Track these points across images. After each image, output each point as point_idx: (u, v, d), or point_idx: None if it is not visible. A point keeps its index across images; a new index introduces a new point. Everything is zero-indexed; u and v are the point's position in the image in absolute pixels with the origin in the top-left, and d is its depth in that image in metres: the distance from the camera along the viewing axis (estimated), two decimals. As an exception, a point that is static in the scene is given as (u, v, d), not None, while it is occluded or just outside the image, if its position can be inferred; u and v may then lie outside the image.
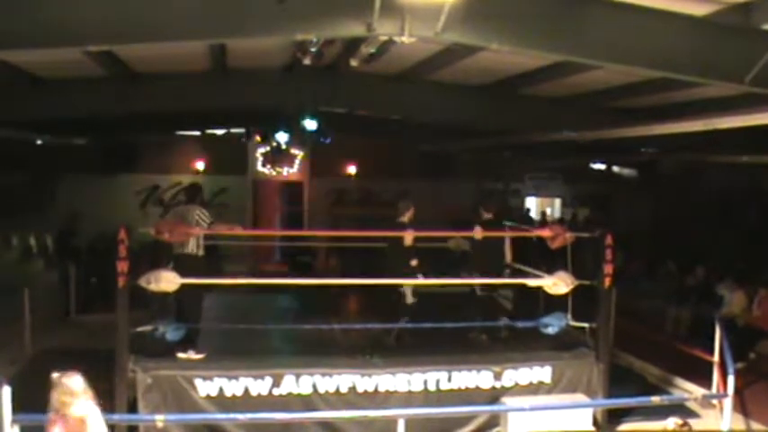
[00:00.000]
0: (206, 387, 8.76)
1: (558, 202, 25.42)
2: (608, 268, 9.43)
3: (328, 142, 19.17)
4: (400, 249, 10.34)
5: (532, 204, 25.43)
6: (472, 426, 9.17)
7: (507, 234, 11.19)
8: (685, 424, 7.75)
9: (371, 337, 10.42)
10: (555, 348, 10.06)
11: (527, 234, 11.10)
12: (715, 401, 9.44)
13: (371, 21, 7.60)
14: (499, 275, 10.65)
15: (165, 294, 9.00)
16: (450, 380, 9.26)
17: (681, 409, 9.52)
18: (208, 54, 11.60)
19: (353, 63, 10.19)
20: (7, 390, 6.55)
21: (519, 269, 11.02)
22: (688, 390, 10.55)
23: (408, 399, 9.07)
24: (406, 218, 10.74)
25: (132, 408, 8.58)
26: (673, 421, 7.74)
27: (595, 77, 11.34)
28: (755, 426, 9.23)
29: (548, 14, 8.08)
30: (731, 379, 8.71)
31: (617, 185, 23.93)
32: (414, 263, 10.38)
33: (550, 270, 9.71)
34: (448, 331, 10.22)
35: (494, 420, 9.14)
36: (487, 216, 11.03)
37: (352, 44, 10.18)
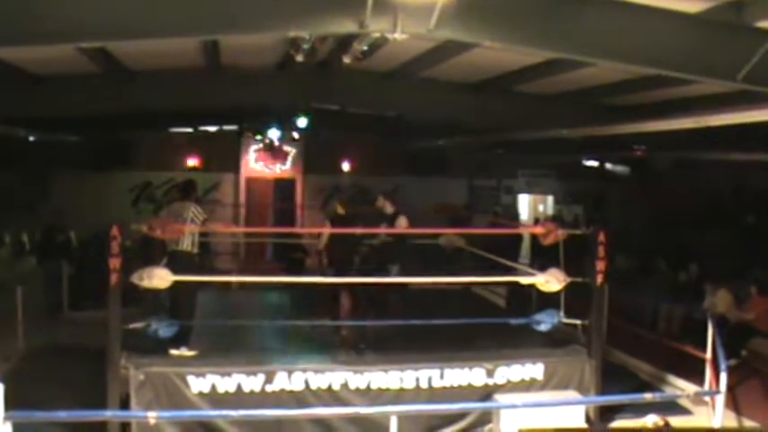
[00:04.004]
0: (198, 384, 8.72)
1: (550, 199, 25.42)
2: (600, 265, 9.44)
3: (320, 139, 19.16)
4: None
5: (525, 201, 25.43)
6: (464, 423, 9.16)
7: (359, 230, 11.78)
8: (666, 424, 7.13)
9: (364, 333, 10.44)
10: (547, 345, 10.08)
11: (517, 231, 11.14)
12: (707, 398, 9.44)
13: (364, 18, 7.60)
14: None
15: (157, 291, 9.00)
16: (442, 377, 9.23)
17: (673, 406, 9.56)
18: (201, 51, 11.58)
19: (346, 60, 10.19)
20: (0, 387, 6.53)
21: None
22: (680, 387, 10.58)
23: (401, 396, 9.06)
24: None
25: (125, 404, 8.56)
26: (652, 419, 6.98)
27: (588, 74, 11.36)
28: (747, 422, 9.23)
29: (540, 11, 8.09)
30: (723, 376, 8.71)
31: (609, 182, 23.94)
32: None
33: (543, 267, 9.73)
34: (440, 328, 10.21)
35: (486, 417, 9.12)
36: (341, 212, 11.79)
37: (345, 41, 10.16)
